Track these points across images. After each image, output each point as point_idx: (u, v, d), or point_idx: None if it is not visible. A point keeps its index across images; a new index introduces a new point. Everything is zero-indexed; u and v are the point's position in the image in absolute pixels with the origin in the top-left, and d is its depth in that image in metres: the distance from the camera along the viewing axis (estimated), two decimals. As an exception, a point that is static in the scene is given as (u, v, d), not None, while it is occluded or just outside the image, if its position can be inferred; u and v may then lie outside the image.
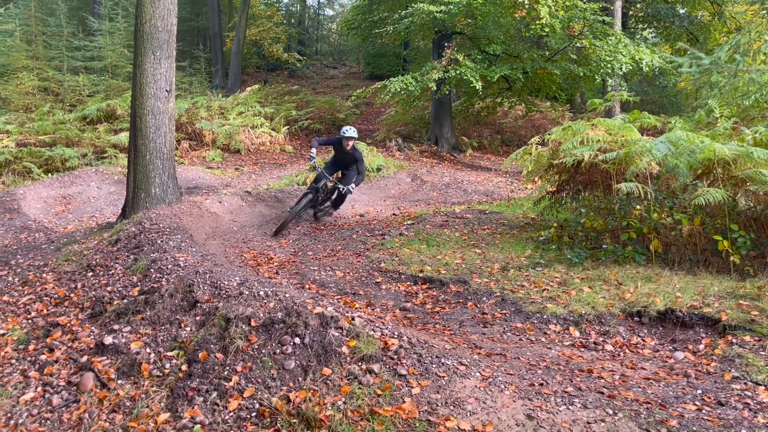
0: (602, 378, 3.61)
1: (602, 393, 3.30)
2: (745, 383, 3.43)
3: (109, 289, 5.13)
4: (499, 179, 14.48)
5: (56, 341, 4.48)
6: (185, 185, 11.93)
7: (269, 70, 28.88)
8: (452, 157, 17.09)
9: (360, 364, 3.46)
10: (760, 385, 3.39)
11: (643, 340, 4.45)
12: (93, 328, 4.58)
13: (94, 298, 5.00)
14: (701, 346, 4.14)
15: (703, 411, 3.07)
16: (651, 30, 22.79)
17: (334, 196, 9.03)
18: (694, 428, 2.85)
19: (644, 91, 20.77)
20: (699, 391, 3.33)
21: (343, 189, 8.61)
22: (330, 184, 8.88)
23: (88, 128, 15.12)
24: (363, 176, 8.87)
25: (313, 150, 8.66)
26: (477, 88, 14.60)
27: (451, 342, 4.26)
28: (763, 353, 3.73)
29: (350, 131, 8.65)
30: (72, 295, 5.30)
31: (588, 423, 2.93)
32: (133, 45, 8.17)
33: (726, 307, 4.42)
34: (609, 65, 14.64)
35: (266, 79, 26.14)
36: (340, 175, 9.07)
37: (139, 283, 5.05)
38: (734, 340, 3.97)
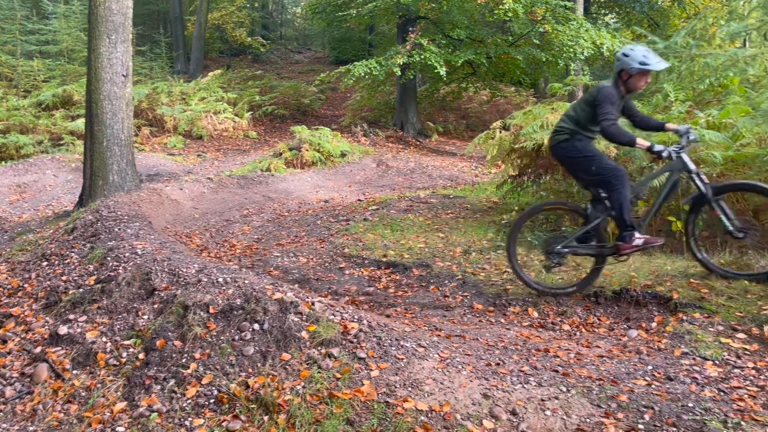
0: (558, 357, 3.69)
1: (557, 371, 3.37)
2: (693, 358, 3.54)
3: (64, 278, 5.02)
4: (464, 164, 14.56)
5: (9, 332, 4.37)
6: (146, 172, 11.70)
7: (232, 55, 28.38)
8: (418, 143, 17.11)
9: (319, 348, 3.46)
10: (708, 360, 3.51)
11: (599, 320, 4.55)
12: (47, 318, 4.48)
13: (48, 288, 4.88)
14: (654, 324, 4.25)
15: (653, 386, 3.16)
16: (612, 15, 23.08)
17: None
18: (643, 402, 2.94)
19: (606, 76, 20.99)
20: (650, 367, 3.43)
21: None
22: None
23: (43, 114, 14.67)
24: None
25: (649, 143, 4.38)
26: (441, 73, 14.60)
27: (412, 325, 4.29)
28: (712, 329, 3.85)
29: (654, 57, 4.29)
30: (26, 285, 5.17)
31: (542, 400, 3.00)
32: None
33: (678, 286, 4.54)
34: (571, 50, 14.75)
35: (229, 64, 25.68)
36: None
37: (95, 272, 4.94)
38: (685, 317, 4.09)
